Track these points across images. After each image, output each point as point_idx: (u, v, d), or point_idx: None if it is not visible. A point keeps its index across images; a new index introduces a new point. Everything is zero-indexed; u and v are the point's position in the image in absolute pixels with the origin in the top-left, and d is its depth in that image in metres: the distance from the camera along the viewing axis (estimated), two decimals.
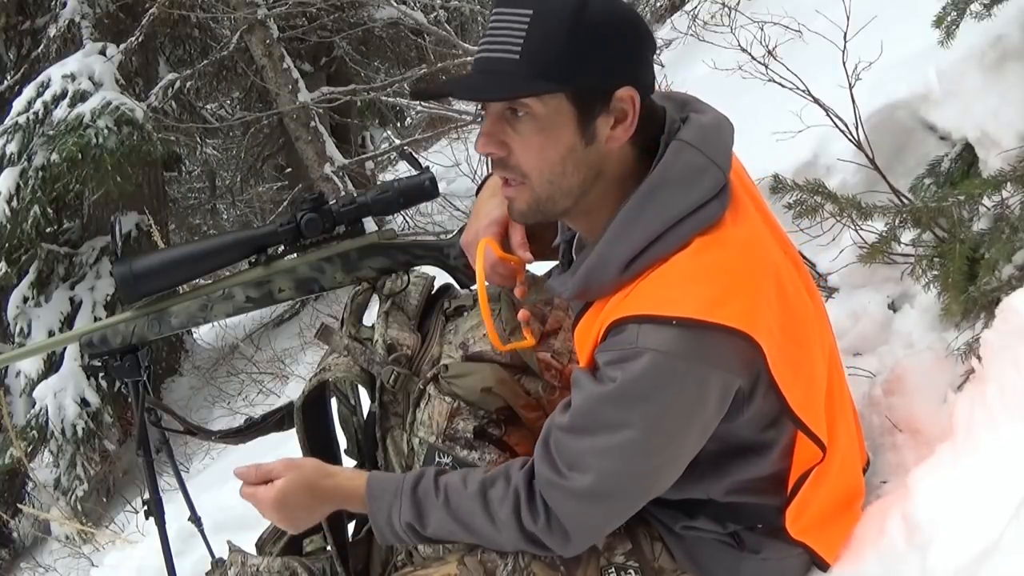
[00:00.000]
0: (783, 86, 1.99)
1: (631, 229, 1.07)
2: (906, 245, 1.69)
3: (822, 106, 1.88)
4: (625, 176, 1.11)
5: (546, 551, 1.16)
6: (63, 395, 5.44)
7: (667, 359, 1.02)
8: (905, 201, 1.73)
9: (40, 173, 5.08)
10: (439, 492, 1.19)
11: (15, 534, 6.11)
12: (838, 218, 1.72)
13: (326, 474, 1.27)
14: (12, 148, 5.13)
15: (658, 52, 4.01)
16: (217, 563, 1.64)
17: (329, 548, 1.49)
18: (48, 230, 5.68)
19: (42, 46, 6.02)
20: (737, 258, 1.06)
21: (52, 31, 5.90)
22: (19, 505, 5.59)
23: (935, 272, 1.57)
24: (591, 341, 1.11)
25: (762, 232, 1.14)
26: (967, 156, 1.74)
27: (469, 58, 5.99)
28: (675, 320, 1.01)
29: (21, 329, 5.72)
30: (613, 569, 1.22)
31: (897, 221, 1.61)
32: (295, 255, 1.48)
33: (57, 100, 5.19)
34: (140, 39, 5.61)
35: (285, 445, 2.63)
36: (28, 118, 5.17)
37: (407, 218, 5.65)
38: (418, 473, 1.23)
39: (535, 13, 1.02)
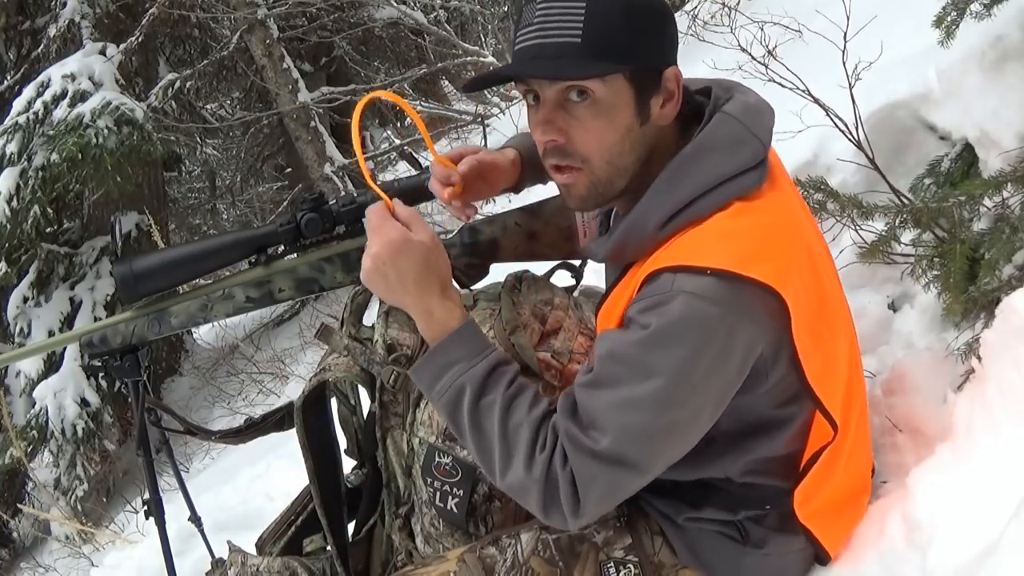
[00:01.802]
0: (783, 86, 1.99)
1: (672, 187, 1.10)
2: (906, 245, 1.69)
3: (822, 106, 1.87)
4: (667, 152, 1.13)
5: (557, 513, 1.09)
6: (63, 395, 5.45)
7: (702, 303, 1.03)
8: (905, 201, 1.73)
9: (40, 173, 5.09)
10: (511, 387, 1.14)
11: (15, 534, 6.12)
12: (838, 218, 1.72)
13: (446, 282, 1.19)
14: (12, 148, 5.14)
15: None
16: (217, 563, 1.64)
17: (329, 548, 1.49)
18: (48, 230, 5.69)
19: (42, 46, 6.03)
20: (774, 222, 1.09)
21: (52, 31, 5.91)
22: (19, 505, 5.60)
23: (935, 272, 1.57)
24: (623, 302, 1.11)
25: (797, 211, 1.18)
26: (967, 156, 1.74)
27: (469, 58, 6.00)
28: (710, 270, 1.03)
29: (21, 329, 5.73)
30: (612, 564, 1.22)
31: (897, 221, 1.61)
32: (295, 255, 1.48)
33: (57, 100, 5.20)
34: (140, 39, 5.62)
35: (285, 445, 2.65)
36: (28, 118, 5.18)
37: None
38: (503, 358, 1.17)
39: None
